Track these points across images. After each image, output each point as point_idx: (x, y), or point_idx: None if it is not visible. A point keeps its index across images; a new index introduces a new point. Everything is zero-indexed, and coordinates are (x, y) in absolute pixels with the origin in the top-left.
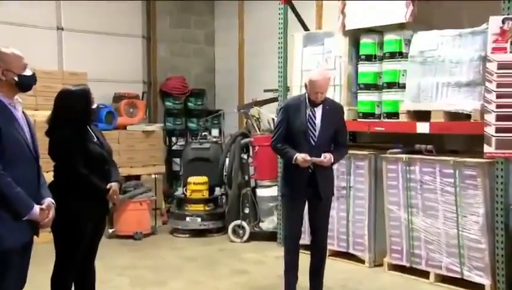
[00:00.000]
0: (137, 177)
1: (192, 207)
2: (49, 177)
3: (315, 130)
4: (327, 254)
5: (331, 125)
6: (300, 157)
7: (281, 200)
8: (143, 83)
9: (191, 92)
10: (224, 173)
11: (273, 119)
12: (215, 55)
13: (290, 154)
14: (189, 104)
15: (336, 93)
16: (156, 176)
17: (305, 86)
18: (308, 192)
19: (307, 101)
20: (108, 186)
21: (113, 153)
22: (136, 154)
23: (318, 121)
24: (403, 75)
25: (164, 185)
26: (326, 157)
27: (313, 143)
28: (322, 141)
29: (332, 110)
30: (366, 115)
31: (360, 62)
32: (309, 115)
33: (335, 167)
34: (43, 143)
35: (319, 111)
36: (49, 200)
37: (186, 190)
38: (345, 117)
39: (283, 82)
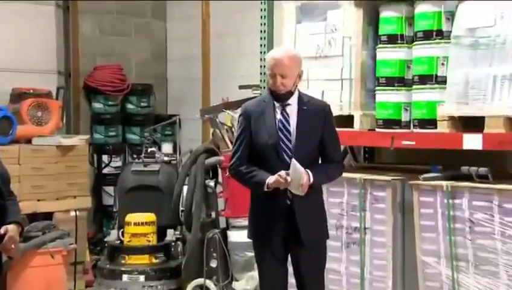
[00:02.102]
0: (48, 216)
1: (131, 260)
2: None
3: (289, 141)
4: None
5: (313, 132)
6: (274, 178)
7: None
8: (58, 74)
9: (131, 89)
10: (181, 209)
11: None
12: (167, 35)
13: (258, 179)
14: (129, 106)
15: (344, 92)
16: (78, 213)
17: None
18: (286, 234)
19: (275, 101)
20: (1, 230)
21: (10, 180)
22: (47, 181)
23: (293, 127)
24: (443, 64)
25: (89, 227)
26: (305, 179)
27: (288, 161)
28: (301, 157)
29: (313, 110)
30: (388, 123)
31: (380, 46)
32: (279, 120)
33: (330, 195)
34: None
35: (293, 113)
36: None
37: (123, 234)
38: (357, 126)
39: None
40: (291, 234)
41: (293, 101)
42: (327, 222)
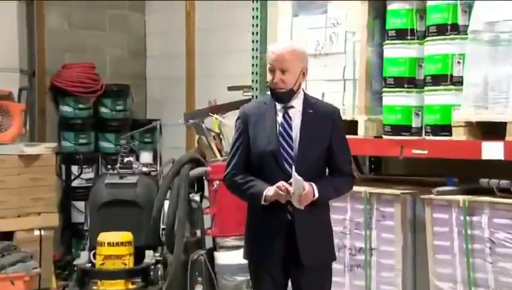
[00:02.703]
0: (8, 236)
1: (105, 286)
2: None
3: (291, 148)
4: None
5: (319, 139)
6: (273, 190)
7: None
8: (20, 73)
9: (105, 90)
10: (162, 227)
11: None
12: (146, 29)
13: (255, 191)
14: (103, 109)
15: (347, 94)
16: (43, 232)
17: None
18: (286, 255)
19: (276, 102)
20: None
21: None
22: (8, 195)
23: (296, 132)
24: (459, 62)
25: (56, 248)
26: (305, 189)
27: (289, 170)
28: (305, 167)
29: (320, 114)
30: (397, 130)
31: (388, 42)
32: (280, 123)
33: (331, 211)
34: None
35: (296, 117)
36: None
37: (94, 256)
38: (362, 133)
39: (259, 74)
40: (291, 255)
41: (297, 103)
42: (333, 243)
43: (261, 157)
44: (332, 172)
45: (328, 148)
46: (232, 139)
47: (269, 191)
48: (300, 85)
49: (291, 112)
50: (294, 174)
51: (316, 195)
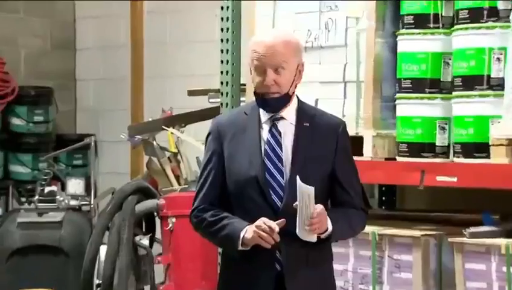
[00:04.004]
0: None
1: None
2: None
3: (281, 173)
4: None
5: (319, 162)
6: (252, 230)
7: None
8: None
9: (19, 95)
10: (96, 282)
11: None
12: (76, 14)
13: (230, 232)
14: (15, 121)
15: (349, 101)
16: None
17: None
18: None
19: (261, 113)
20: None
21: None
22: None
23: (287, 152)
24: (499, 60)
25: None
26: (317, 211)
27: (278, 204)
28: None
29: (320, 130)
30: (416, 150)
31: (404, 31)
32: (267, 141)
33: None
34: None
35: (288, 132)
36: None
37: None
38: (369, 153)
39: (232, 74)
40: None
41: (289, 113)
42: None
43: (240, 186)
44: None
45: (331, 174)
46: (201, 163)
47: (248, 231)
48: (296, 87)
49: (281, 125)
50: (300, 184)
51: (330, 228)
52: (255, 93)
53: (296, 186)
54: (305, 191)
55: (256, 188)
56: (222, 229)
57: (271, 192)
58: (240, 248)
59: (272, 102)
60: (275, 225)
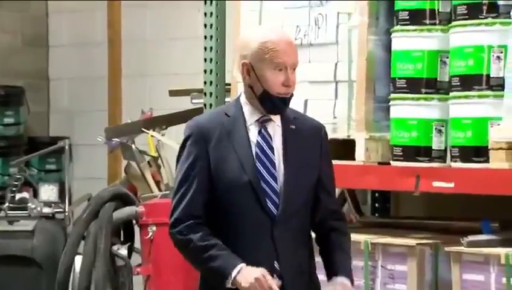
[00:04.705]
0: None
1: None
2: None
3: (274, 178)
4: None
5: (308, 167)
6: (251, 277)
7: None
8: None
9: None
10: None
11: None
12: (48, 7)
13: (221, 265)
14: None
15: (340, 102)
16: None
17: (244, 69)
18: None
19: (245, 113)
20: None
21: None
22: None
23: (278, 155)
24: (499, 58)
25: None
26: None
27: (275, 212)
28: (295, 208)
29: (305, 133)
30: (411, 153)
31: (398, 28)
32: (257, 143)
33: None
34: None
35: (276, 134)
36: None
37: None
38: (361, 157)
39: (216, 74)
40: None
41: (276, 116)
42: None
43: (231, 192)
44: (321, 215)
45: (318, 179)
46: (178, 169)
47: (241, 274)
48: None
49: (270, 127)
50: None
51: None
52: (267, 92)
53: (291, 193)
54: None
55: (251, 194)
56: (211, 260)
57: (265, 199)
58: (228, 285)
59: (289, 103)
60: (275, 287)
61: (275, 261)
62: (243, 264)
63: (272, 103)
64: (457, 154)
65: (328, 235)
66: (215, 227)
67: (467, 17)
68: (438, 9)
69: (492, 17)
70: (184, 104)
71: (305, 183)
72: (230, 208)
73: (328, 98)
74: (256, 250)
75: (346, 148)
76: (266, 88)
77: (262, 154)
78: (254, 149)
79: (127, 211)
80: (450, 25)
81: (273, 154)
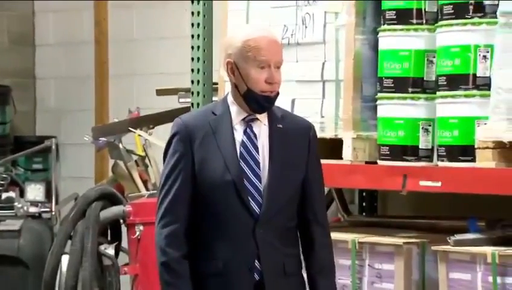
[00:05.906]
0: None
1: None
2: None
3: (258, 178)
4: None
5: (294, 167)
6: None
7: None
8: None
9: None
10: None
11: None
12: (35, 7)
13: None
14: None
15: (328, 101)
16: None
17: (229, 67)
18: None
19: (232, 112)
20: None
21: None
22: None
23: (263, 155)
24: (485, 58)
25: None
26: None
27: (257, 211)
28: (277, 207)
29: (292, 132)
30: (397, 152)
31: (385, 28)
32: (242, 142)
33: None
34: None
35: (262, 134)
36: None
37: None
38: (348, 156)
39: (203, 73)
40: None
41: (262, 114)
42: None
43: (215, 191)
44: (304, 220)
45: (303, 181)
46: (165, 165)
47: None
48: None
49: (256, 126)
50: None
51: None
52: (251, 91)
53: (275, 193)
54: None
55: (234, 193)
56: (169, 287)
57: (249, 199)
58: None
59: (274, 101)
60: None
61: (256, 261)
62: None
63: (256, 102)
64: (444, 153)
65: (310, 251)
66: (199, 225)
67: (453, 16)
68: (425, 9)
69: (479, 17)
70: (171, 103)
71: (290, 183)
72: (214, 206)
73: (315, 97)
74: (238, 249)
75: (334, 147)
76: (250, 86)
77: (246, 153)
78: (239, 148)
79: (114, 210)
80: (436, 25)
81: (258, 153)
